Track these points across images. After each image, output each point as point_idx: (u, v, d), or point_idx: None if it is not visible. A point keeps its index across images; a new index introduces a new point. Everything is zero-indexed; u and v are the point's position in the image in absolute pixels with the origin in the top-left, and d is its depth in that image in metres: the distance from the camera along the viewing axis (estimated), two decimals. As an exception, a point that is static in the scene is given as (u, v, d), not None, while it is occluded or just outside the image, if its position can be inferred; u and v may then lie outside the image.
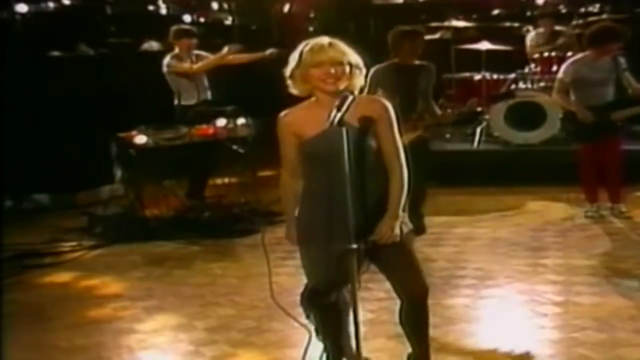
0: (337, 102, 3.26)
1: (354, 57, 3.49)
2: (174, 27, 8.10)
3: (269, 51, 8.23)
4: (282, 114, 3.61)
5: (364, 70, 3.56)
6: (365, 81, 3.64)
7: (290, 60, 3.52)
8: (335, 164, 3.25)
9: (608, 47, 6.69)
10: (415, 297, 3.68)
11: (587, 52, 6.86)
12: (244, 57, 8.33)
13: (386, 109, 3.52)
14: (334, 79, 3.42)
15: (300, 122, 3.52)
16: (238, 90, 8.59)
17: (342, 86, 3.44)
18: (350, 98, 3.33)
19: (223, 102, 7.90)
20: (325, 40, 3.48)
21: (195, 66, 7.93)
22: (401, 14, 11.65)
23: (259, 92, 9.00)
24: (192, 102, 7.90)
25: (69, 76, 8.58)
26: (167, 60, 7.84)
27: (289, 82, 3.54)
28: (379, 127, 3.48)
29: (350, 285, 3.30)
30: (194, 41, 7.98)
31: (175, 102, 7.92)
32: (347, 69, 3.45)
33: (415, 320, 3.78)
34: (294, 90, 3.56)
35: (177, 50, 7.95)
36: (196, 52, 8.04)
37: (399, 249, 3.57)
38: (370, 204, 3.48)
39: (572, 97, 6.91)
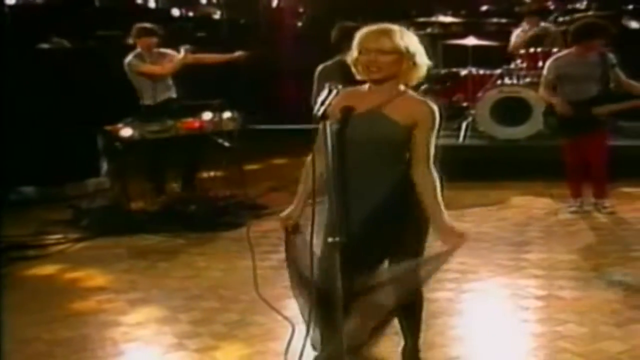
0: (322, 96, 3.23)
1: (411, 48, 3.43)
2: (135, 25, 7.98)
3: (237, 53, 8.24)
4: (341, 92, 3.52)
5: (424, 63, 3.49)
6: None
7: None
8: (326, 155, 3.23)
9: (591, 43, 6.73)
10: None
11: (572, 49, 6.91)
12: (213, 58, 8.30)
13: (431, 113, 3.45)
14: (377, 68, 3.40)
15: (344, 104, 3.45)
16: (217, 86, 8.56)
17: (385, 75, 3.42)
18: (335, 92, 3.27)
19: (194, 98, 7.85)
20: (381, 27, 3.45)
21: (163, 70, 7.82)
22: (390, 10, 11.65)
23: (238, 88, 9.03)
24: (154, 101, 7.78)
25: (57, 69, 8.56)
26: (128, 59, 7.69)
27: (350, 64, 3.54)
28: (416, 129, 3.43)
29: (334, 280, 3.25)
30: (154, 40, 7.79)
31: (142, 102, 7.82)
32: (396, 58, 3.39)
33: (403, 311, 3.79)
34: (355, 73, 3.54)
35: (139, 48, 7.87)
36: (158, 50, 7.91)
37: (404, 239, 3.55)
38: (376, 202, 3.45)
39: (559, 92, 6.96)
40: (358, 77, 3.57)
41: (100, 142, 7.58)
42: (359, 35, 3.48)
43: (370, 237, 3.44)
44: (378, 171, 3.48)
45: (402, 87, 3.52)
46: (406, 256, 3.54)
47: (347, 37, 6.23)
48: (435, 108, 3.49)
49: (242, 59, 8.23)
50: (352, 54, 3.52)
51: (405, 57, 3.42)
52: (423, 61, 3.49)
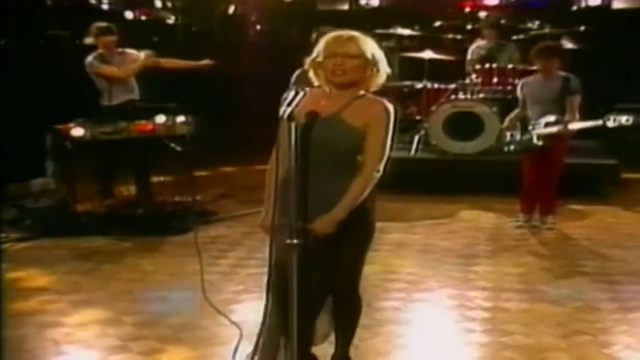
0: (288, 97, 3.26)
1: (375, 54, 3.48)
2: (93, 24, 7.85)
3: (204, 61, 8.18)
4: (308, 92, 3.55)
5: (385, 71, 3.52)
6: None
7: (314, 48, 3.53)
8: (286, 157, 3.27)
9: (544, 63, 6.84)
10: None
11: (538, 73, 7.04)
12: (177, 63, 8.21)
13: (385, 112, 3.45)
14: (342, 72, 3.42)
15: (303, 105, 3.42)
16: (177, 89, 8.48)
17: (350, 79, 3.44)
18: (301, 94, 3.33)
19: (159, 100, 7.75)
20: (347, 33, 3.48)
21: (122, 73, 7.70)
22: (346, 21, 11.66)
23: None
24: (116, 102, 7.65)
25: (5, 67, 8.39)
26: (89, 59, 7.57)
27: (308, 68, 3.55)
28: (368, 128, 3.42)
29: (289, 282, 3.28)
30: (113, 38, 7.68)
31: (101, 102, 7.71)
32: (361, 63, 3.42)
33: (338, 317, 3.78)
34: (313, 78, 3.55)
35: (100, 49, 7.75)
36: (120, 49, 7.80)
37: (346, 242, 3.53)
38: (332, 202, 3.43)
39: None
40: (316, 83, 3.56)
41: (49, 142, 7.41)
42: (324, 40, 3.49)
43: (321, 241, 3.42)
44: (334, 177, 3.45)
45: (361, 92, 3.52)
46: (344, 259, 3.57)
47: None
48: (391, 108, 3.49)
49: (208, 67, 8.16)
50: (314, 58, 3.51)
51: (369, 63, 3.46)
52: (384, 69, 3.53)
